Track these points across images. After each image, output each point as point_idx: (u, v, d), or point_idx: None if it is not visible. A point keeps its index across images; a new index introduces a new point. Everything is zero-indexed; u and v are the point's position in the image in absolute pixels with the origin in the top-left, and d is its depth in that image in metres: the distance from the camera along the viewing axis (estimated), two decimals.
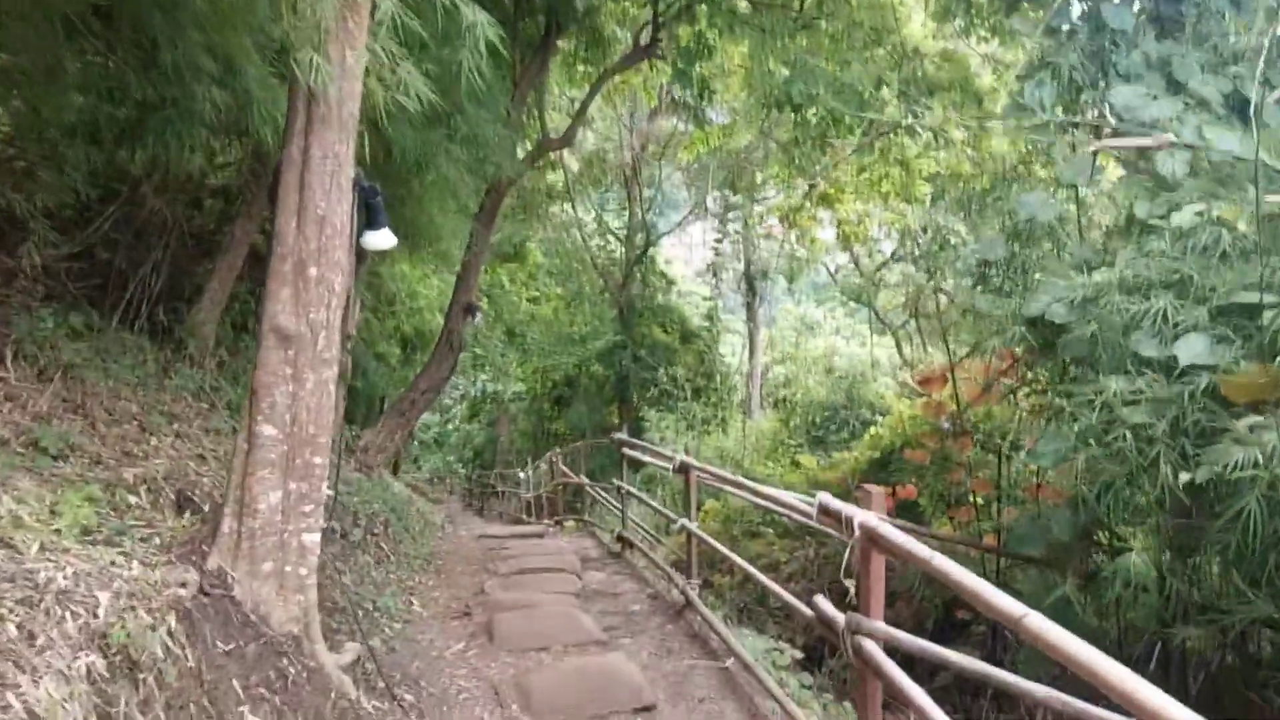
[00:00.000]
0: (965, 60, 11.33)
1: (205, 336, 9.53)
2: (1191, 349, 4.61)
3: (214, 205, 11.35)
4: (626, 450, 9.30)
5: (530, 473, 19.72)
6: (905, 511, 9.27)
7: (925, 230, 19.04)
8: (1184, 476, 4.36)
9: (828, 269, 36.39)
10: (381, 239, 5.04)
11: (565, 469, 14.97)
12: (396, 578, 7.13)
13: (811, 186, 14.77)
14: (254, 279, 13.06)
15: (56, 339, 6.35)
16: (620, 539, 9.39)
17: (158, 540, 4.02)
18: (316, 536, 4.26)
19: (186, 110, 6.98)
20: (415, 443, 42.27)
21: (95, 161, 8.95)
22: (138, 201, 8.89)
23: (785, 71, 8.85)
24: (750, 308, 32.17)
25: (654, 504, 8.36)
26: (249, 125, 7.50)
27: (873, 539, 3.31)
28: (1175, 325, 4.80)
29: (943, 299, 22.73)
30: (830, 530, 3.88)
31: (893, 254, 25.42)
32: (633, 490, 8.85)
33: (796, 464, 12.83)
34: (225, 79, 5.96)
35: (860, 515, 3.38)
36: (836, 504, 3.67)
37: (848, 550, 3.53)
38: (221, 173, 11.52)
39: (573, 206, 25.69)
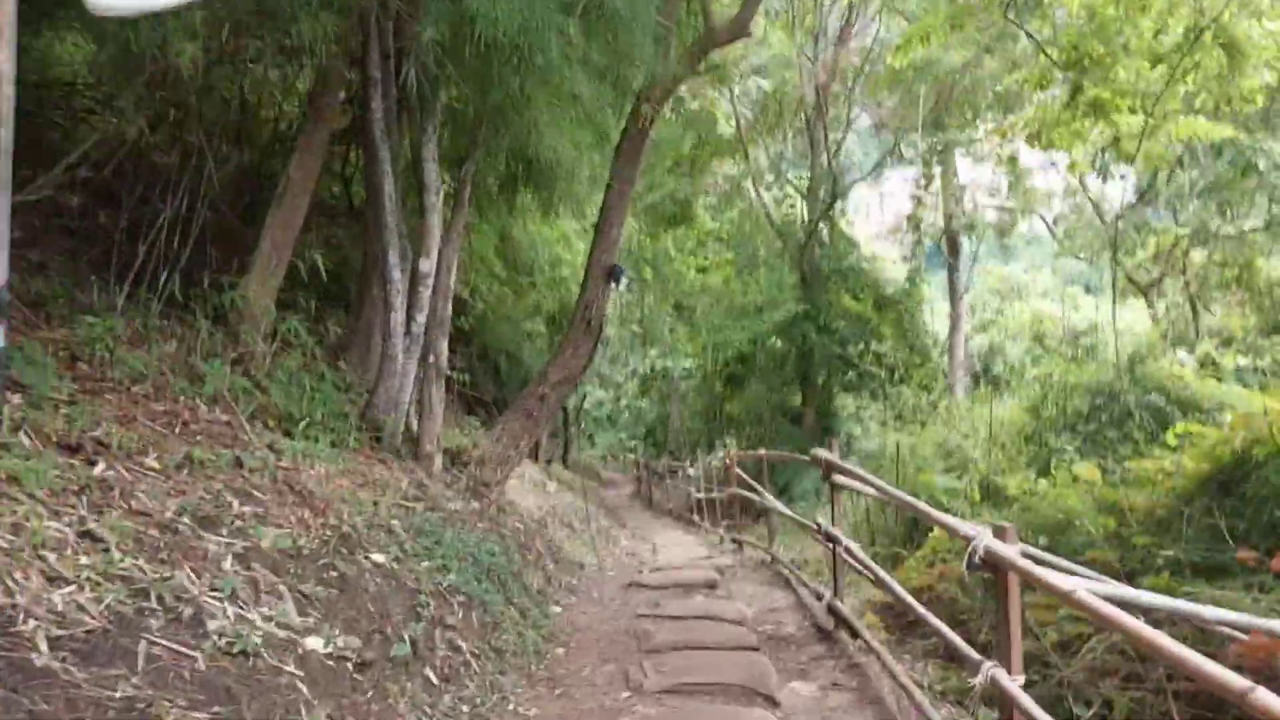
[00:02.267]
0: None
1: (255, 317, 6.99)
2: None
3: (262, 138, 8.90)
4: (841, 480, 6.05)
5: (700, 467, 16.75)
6: None
7: (1220, 152, 14.49)
8: None
9: (1045, 222, 31.35)
10: None
11: (743, 474, 11.83)
12: (469, 715, 4.25)
13: (1077, 90, 10.77)
14: (322, 237, 10.59)
15: None
16: (832, 611, 6.17)
17: None
18: None
19: None
20: (590, 419, 40.70)
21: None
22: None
23: None
24: (952, 269, 27.77)
25: (904, 596, 4.97)
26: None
27: None
28: None
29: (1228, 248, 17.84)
30: None
31: (1143, 193, 20.57)
32: (856, 552, 5.59)
33: (1070, 475, 9.15)
34: None
35: None
36: None
37: None
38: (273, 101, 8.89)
39: (745, 155, 22.27)
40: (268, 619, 3.61)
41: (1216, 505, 7.10)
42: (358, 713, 3.56)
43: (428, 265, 7.02)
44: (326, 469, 5.78)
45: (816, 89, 21.16)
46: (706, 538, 14.19)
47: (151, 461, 4.44)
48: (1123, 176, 20.52)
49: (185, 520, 3.96)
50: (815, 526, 6.53)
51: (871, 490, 5.68)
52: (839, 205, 23.06)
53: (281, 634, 3.58)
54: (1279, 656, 4.49)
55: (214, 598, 3.51)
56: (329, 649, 3.70)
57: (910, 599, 4.70)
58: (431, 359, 7.21)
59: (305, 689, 3.36)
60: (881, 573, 5.10)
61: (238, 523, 4.21)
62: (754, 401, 24.62)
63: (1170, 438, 9.31)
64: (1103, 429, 11.04)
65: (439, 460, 7.27)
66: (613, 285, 8.65)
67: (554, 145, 7.14)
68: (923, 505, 4.18)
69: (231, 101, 8.35)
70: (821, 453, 6.24)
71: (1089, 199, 25.19)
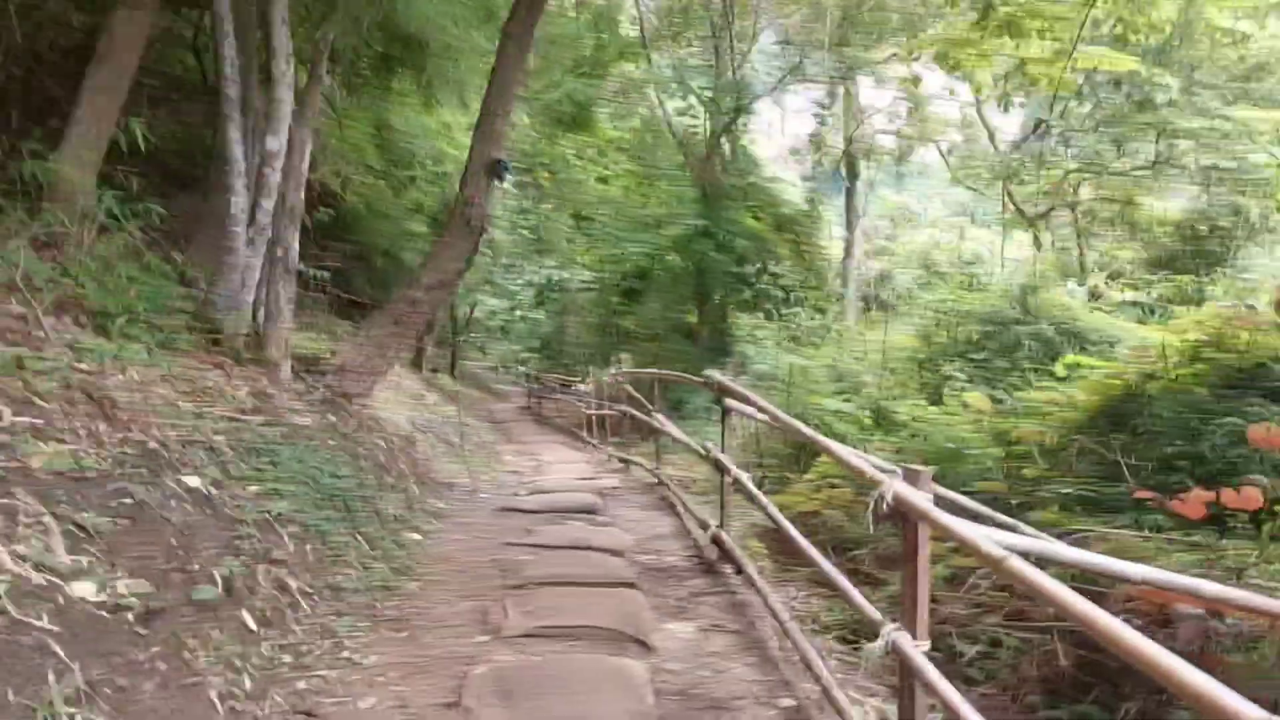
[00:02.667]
0: None
1: (70, 194, 5.97)
2: None
3: None
4: (733, 404, 5.58)
5: (592, 383, 16.27)
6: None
7: (1119, 85, 14.40)
8: None
9: (940, 150, 31.50)
10: None
11: (634, 393, 11.36)
12: (289, 670, 3.64)
13: (989, 9, 10.35)
14: (154, 106, 9.36)
15: None
16: (716, 542, 5.76)
17: None
18: None
19: None
20: (482, 328, 39.73)
21: None
22: None
23: None
24: (850, 193, 27.66)
25: (793, 533, 4.49)
26: None
27: None
28: None
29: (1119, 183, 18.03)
30: None
31: (1039, 125, 20.62)
32: (744, 482, 5.15)
33: (961, 403, 8.98)
34: None
35: None
36: None
37: None
38: None
39: (649, 60, 21.29)
40: (21, 559, 2.89)
41: (1107, 439, 6.95)
42: (135, 672, 2.90)
43: (276, 144, 6.11)
44: (142, 374, 4.96)
45: None
46: (595, 455, 13.78)
47: None
48: (1021, 105, 20.53)
49: None
50: (703, 451, 6.07)
51: (764, 416, 5.21)
52: (742, 121, 22.39)
53: (38, 579, 2.87)
54: (1172, 607, 4.26)
55: None
56: (103, 596, 3.00)
57: (799, 537, 4.28)
58: (279, 253, 6.35)
59: (60, 648, 2.68)
60: (771, 508, 4.67)
61: (2, 438, 3.43)
62: (650, 317, 24.16)
63: (1059, 369, 9.23)
64: (992, 358, 10.95)
65: (286, 367, 6.49)
66: (496, 181, 7.87)
67: (425, 14, 6.24)
68: (823, 439, 3.70)
69: None
70: (714, 375, 5.76)
71: (985, 128, 25.28)
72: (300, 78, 6.86)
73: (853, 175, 27.14)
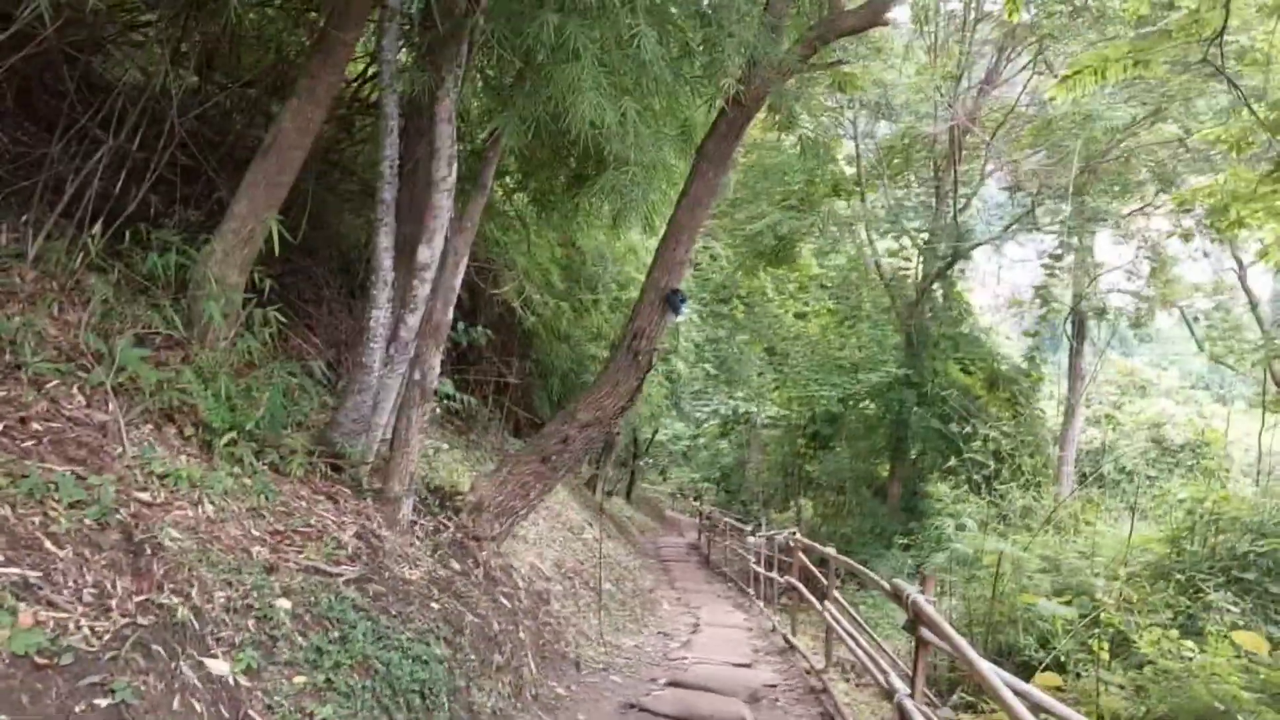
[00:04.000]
0: None
1: (211, 291, 5.51)
2: None
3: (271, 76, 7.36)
4: (928, 636, 4.19)
5: (762, 536, 14.80)
6: None
7: None
8: None
9: (1184, 315, 28.38)
10: None
11: (807, 562, 9.94)
12: None
13: None
14: (318, 202, 9.06)
15: None
16: None
17: None
18: None
19: None
20: (664, 452, 39.10)
21: None
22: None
23: None
24: (1075, 353, 25.16)
25: None
26: None
27: None
28: None
29: None
30: None
31: None
32: None
33: (1229, 643, 6.97)
34: None
35: None
36: None
37: None
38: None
39: (862, 198, 20.32)
40: None
41: None
42: None
43: (428, 254, 5.46)
44: (222, 506, 4.23)
45: (952, 134, 19.10)
46: (757, 621, 12.32)
47: None
48: None
49: None
50: (885, 685, 4.66)
51: (975, 666, 3.78)
52: (958, 267, 20.84)
53: None
54: None
55: None
56: None
57: None
58: (417, 375, 5.62)
59: None
60: None
61: None
62: (837, 467, 22.51)
63: None
64: (1264, 580, 8.74)
65: (408, 505, 5.66)
66: (670, 314, 6.97)
67: (626, 134, 5.48)
68: None
69: (227, 29, 6.92)
70: (908, 590, 4.39)
71: (1246, 295, 22.49)
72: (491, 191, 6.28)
73: (1080, 334, 24.74)
